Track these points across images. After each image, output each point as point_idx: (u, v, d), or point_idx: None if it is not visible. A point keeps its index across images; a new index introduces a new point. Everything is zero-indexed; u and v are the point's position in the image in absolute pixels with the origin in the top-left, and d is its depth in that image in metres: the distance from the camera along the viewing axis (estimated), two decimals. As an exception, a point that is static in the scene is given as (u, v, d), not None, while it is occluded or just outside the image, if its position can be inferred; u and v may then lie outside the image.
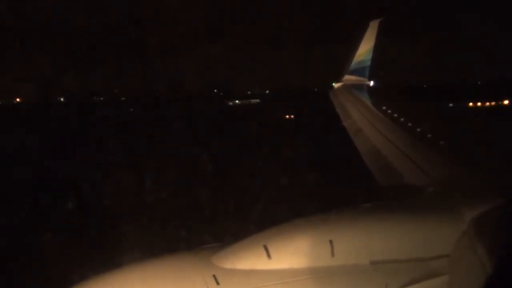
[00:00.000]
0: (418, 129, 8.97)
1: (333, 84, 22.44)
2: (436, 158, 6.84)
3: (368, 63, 21.62)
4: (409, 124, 9.70)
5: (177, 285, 3.39)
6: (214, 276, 3.39)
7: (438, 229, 3.97)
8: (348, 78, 21.76)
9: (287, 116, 58.68)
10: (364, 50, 21.53)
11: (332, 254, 3.59)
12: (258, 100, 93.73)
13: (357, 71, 21.77)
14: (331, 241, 3.61)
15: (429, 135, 8.28)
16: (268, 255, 3.54)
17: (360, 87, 20.22)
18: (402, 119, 10.42)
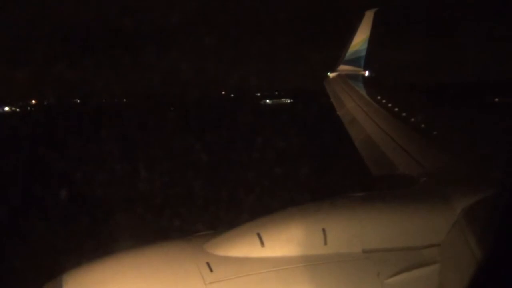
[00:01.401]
0: (413, 119, 9.00)
1: (328, 74, 22.40)
2: (430, 148, 6.88)
3: (363, 53, 21.61)
4: (404, 114, 9.72)
5: (170, 273, 3.39)
6: (207, 263, 3.39)
7: (430, 219, 4.00)
8: (343, 68, 21.73)
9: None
10: (360, 40, 21.49)
11: (325, 242, 3.61)
12: (290, 100, 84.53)
13: (352, 61, 21.75)
14: (324, 230, 3.63)
15: (423, 125, 8.32)
16: (262, 243, 3.55)
17: (355, 77, 20.21)
18: (396, 109, 10.44)
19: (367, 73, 21.78)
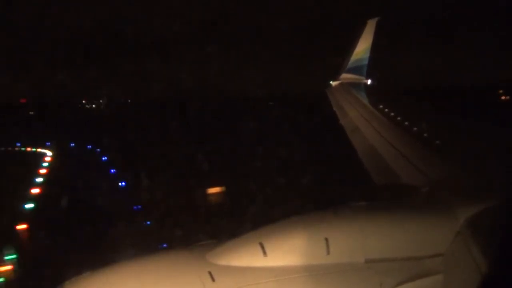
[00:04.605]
0: (415, 128, 8.99)
1: (331, 82, 22.38)
2: (432, 157, 6.86)
3: (366, 62, 21.57)
4: (406, 123, 9.72)
5: (172, 282, 3.38)
6: (209, 273, 3.38)
7: (433, 229, 3.99)
8: (346, 76, 21.69)
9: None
10: (362, 48, 21.48)
11: (327, 252, 3.60)
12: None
13: (355, 70, 21.71)
14: (326, 239, 3.62)
15: (425, 134, 8.31)
16: (264, 253, 3.54)
17: (357, 85, 20.19)
18: (399, 118, 10.44)
19: (369, 82, 21.75)
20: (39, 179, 38.00)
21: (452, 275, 3.69)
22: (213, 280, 3.34)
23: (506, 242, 3.40)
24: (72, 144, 53.31)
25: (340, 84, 21.62)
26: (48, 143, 52.01)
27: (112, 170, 39.63)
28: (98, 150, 47.16)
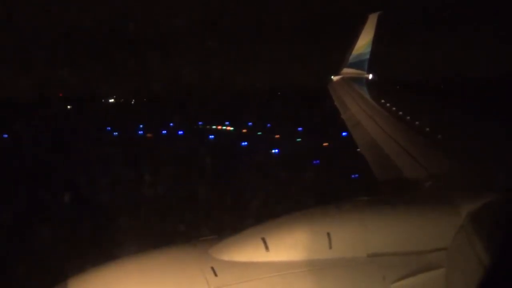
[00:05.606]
0: (417, 123, 8.99)
1: (332, 77, 22.33)
2: (434, 152, 6.86)
3: (367, 56, 21.52)
4: (408, 118, 9.71)
5: (175, 277, 3.39)
6: (212, 268, 3.39)
7: (435, 223, 3.99)
8: (347, 71, 21.65)
9: None
10: (363, 43, 21.42)
11: (330, 247, 3.60)
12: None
13: (356, 64, 21.66)
14: (328, 234, 3.62)
15: (427, 129, 8.31)
16: (266, 248, 3.55)
17: (359, 80, 20.16)
18: (400, 113, 10.43)
19: (370, 76, 21.70)
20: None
21: (454, 269, 3.69)
22: (216, 275, 3.35)
23: (509, 236, 3.40)
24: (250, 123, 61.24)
25: (342, 78, 21.56)
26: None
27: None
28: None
